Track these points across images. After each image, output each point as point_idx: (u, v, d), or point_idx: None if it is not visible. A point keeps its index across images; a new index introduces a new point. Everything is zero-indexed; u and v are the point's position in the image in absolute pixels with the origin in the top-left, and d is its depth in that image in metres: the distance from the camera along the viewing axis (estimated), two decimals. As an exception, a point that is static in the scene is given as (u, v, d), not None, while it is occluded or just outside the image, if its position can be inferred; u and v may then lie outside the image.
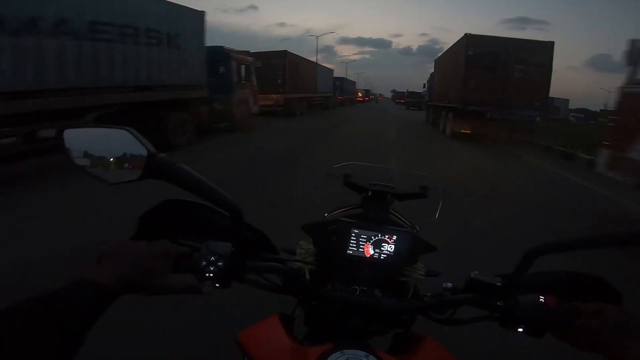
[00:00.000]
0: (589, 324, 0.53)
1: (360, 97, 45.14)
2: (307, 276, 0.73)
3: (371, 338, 0.67)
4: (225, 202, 0.56)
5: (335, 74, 33.11)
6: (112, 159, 0.54)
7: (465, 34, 10.85)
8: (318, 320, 0.68)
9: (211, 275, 0.56)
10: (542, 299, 0.58)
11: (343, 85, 27.19)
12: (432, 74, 17.98)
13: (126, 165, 0.53)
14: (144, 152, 0.51)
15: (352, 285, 0.65)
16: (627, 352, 0.49)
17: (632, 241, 0.54)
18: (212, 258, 0.56)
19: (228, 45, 12.53)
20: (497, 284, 0.63)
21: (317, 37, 34.34)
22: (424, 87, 18.02)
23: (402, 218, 0.89)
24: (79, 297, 0.41)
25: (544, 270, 0.69)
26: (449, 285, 0.67)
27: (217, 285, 0.56)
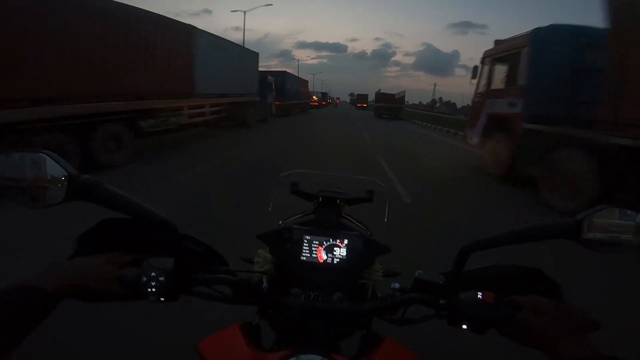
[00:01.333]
0: (527, 318, 0.52)
1: (315, 101, 42.40)
2: (266, 284, 0.72)
3: (340, 341, 0.65)
4: (156, 218, 0.54)
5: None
6: (33, 184, 0.51)
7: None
8: (280, 327, 0.67)
9: (154, 290, 0.54)
10: (480, 295, 0.57)
11: (285, 85, 19.15)
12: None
13: (49, 188, 0.51)
14: (65, 174, 0.50)
15: (310, 291, 0.64)
16: (563, 347, 0.47)
17: (561, 234, 0.54)
18: (153, 274, 0.54)
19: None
20: (440, 282, 0.63)
21: (244, 12, 25.84)
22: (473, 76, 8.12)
23: (355, 222, 0.86)
24: (17, 302, 0.39)
25: (497, 263, 0.71)
26: (397, 285, 0.66)
27: (162, 299, 0.55)
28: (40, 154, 0.52)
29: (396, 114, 29.47)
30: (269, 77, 16.02)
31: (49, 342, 1.36)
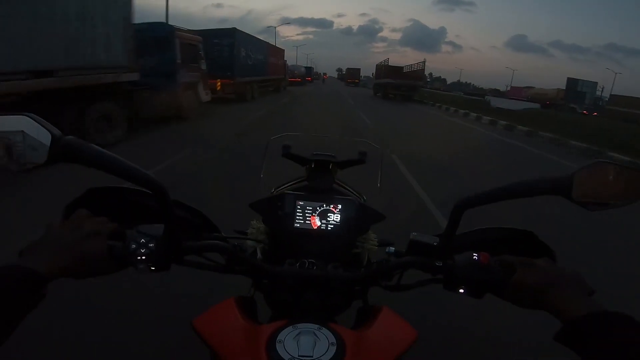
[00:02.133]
0: (523, 279, 0.54)
1: (296, 76, 38.18)
2: (260, 255, 0.73)
3: (337, 314, 0.65)
4: (145, 179, 0.54)
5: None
6: (14, 146, 0.52)
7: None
8: (275, 299, 0.66)
9: (143, 257, 0.55)
10: (475, 256, 0.59)
11: (235, 52, 13.93)
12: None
13: (31, 150, 0.52)
14: (48, 136, 0.50)
15: (304, 258, 0.65)
16: (567, 305, 0.49)
17: (552, 191, 0.55)
18: (142, 240, 0.55)
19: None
20: (434, 243, 0.65)
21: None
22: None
23: (348, 187, 0.89)
24: (9, 284, 0.40)
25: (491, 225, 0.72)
26: (392, 249, 0.68)
27: (153, 268, 0.55)
28: (22, 116, 0.52)
29: (409, 95, 23.89)
30: (187, 39, 9.43)
31: (42, 321, 1.23)
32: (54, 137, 0.51)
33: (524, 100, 36.56)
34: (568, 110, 29.42)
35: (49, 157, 0.51)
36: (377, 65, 29.06)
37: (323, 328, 0.52)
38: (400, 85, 22.61)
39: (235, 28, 14.17)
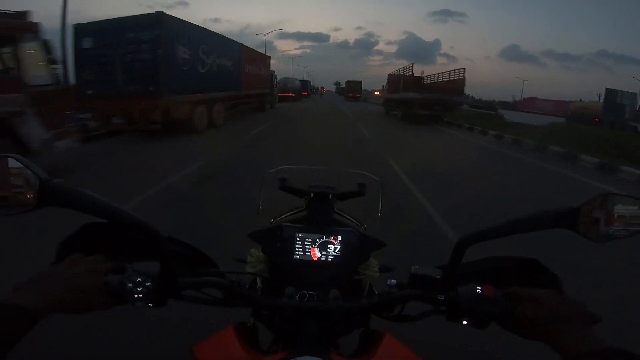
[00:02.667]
0: (528, 311, 0.55)
1: (289, 90, 34.23)
2: (260, 284, 0.74)
3: (338, 339, 0.66)
4: (135, 222, 0.55)
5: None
6: (2, 189, 0.51)
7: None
8: (276, 328, 0.67)
9: (140, 296, 0.55)
10: (479, 289, 0.59)
11: (196, 50, 9.99)
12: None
13: (19, 195, 0.51)
14: (36, 179, 0.50)
15: (305, 289, 0.66)
16: (568, 339, 0.49)
17: (558, 224, 0.57)
18: (139, 279, 0.56)
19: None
20: (437, 276, 0.65)
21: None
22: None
23: (348, 217, 0.89)
24: None
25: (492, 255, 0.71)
26: (394, 282, 0.68)
27: (151, 305, 0.57)
28: (9, 158, 0.51)
29: (441, 115, 17.81)
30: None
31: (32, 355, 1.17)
32: (42, 181, 0.50)
33: (539, 113, 34.79)
34: (623, 128, 24.05)
35: (38, 202, 0.50)
36: (389, 75, 23.61)
37: None
38: (432, 102, 16.73)
39: (162, 12, 8.79)
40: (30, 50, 5.11)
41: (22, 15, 5.34)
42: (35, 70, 5.17)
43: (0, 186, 0.51)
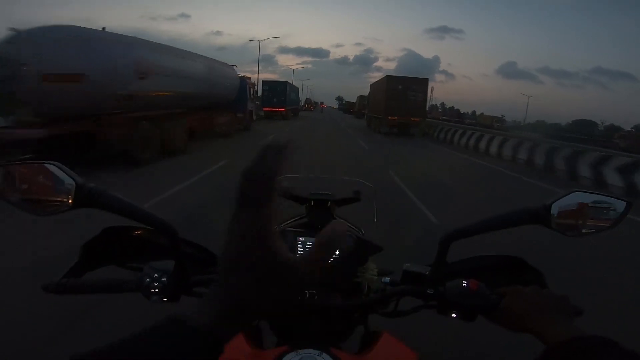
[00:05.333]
0: (513, 304, 0.61)
1: (279, 107, 31.92)
2: None
3: (341, 341, 0.74)
4: (158, 222, 0.64)
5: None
6: (41, 192, 0.59)
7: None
8: (279, 326, 0.75)
9: (156, 290, 0.64)
10: (465, 283, 0.66)
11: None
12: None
13: (56, 197, 0.58)
14: (72, 183, 0.58)
15: (306, 290, 0.72)
16: (551, 329, 0.54)
17: (532, 220, 0.64)
18: (155, 275, 0.65)
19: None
20: (426, 273, 0.73)
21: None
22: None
23: (346, 222, 0.96)
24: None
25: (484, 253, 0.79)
26: (387, 279, 0.76)
27: (165, 299, 0.65)
28: (48, 165, 0.59)
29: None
30: None
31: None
32: (78, 185, 0.58)
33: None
34: None
35: (73, 204, 0.57)
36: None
37: (324, 353, 0.58)
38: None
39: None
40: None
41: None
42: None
43: (41, 189, 0.59)
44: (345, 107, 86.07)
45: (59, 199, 0.59)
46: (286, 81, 35.43)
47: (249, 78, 19.22)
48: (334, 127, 25.96)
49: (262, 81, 34.90)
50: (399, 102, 20.65)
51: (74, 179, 0.58)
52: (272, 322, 0.76)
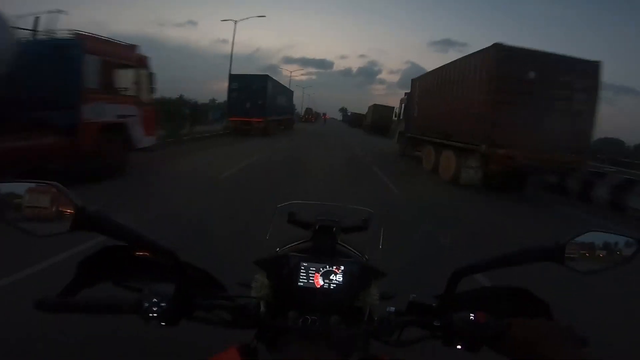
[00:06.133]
0: (518, 335, 0.66)
1: (251, 118, 22.73)
2: (263, 308, 0.88)
3: None
4: (158, 248, 0.69)
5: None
6: (40, 213, 0.63)
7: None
8: (278, 350, 0.85)
9: (155, 315, 0.68)
10: (472, 316, 0.72)
11: None
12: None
13: (55, 219, 0.64)
14: (73, 206, 0.63)
15: (307, 313, 0.83)
16: (553, 358, 0.60)
17: (546, 257, 0.71)
18: (155, 299, 0.68)
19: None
20: (433, 304, 0.82)
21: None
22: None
23: (351, 249, 1.06)
24: None
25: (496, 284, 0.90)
26: (392, 309, 0.83)
27: (163, 324, 0.70)
28: (50, 185, 0.64)
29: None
30: None
31: None
32: (78, 208, 0.63)
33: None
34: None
35: (72, 227, 0.63)
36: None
37: None
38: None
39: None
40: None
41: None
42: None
43: (41, 210, 0.63)
44: (352, 119, 78.52)
45: (57, 221, 0.64)
46: (267, 75, 27.13)
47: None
48: (343, 155, 17.40)
49: (231, 76, 22.42)
50: (531, 112, 9.25)
51: (74, 202, 0.64)
52: (269, 345, 0.86)
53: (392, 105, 36.32)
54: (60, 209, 0.60)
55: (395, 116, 20.71)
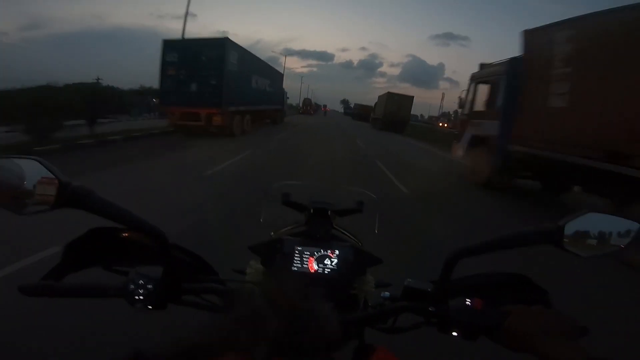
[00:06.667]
0: (516, 324, 0.64)
1: (197, 109, 14.39)
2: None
3: (334, 352, 0.82)
4: (146, 227, 0.67)
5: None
6: (22, 189, 0.63)
7: None
8: None
9: (141, 297, 0.71)
10: (468, 302, 0.72)
11: None
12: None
13: (38, 195, 0.63)
14: (56, 181, 0.63)
15: None
16: (554, 351, 0.57)
17: (543, 240, 0.67)
18: (141, 281, 0.70)
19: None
20: (428, 289, 0.80)
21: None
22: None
23: (346, 233, 1.09)
24: None
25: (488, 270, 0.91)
26: (387, 294, 0.85)
27: (150, 307, 0.73)
28: (31, 160, 0.63)
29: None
30: None
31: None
32: (61, 184, 0.61)
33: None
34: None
35: (55, 203, 0.61)
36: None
37: None
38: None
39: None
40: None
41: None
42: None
43: (21, 186, 0.62)
44: (356, 111, 68.83)
45: (40, 198, 0.62)
46: (226, 39, 15.70)
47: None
48: (350, 140, 17.64)
49: (165, 42, 15.72)
50: None
51: (57, 177, 0.62)
52: None
53: (411, 95, 31.63)
54: (43, 184, 0.59)
55: (460, 106, 11.69)
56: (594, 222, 0.62)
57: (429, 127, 47.91)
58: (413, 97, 29.88)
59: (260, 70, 19.45)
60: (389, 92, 33.02)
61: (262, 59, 17.43)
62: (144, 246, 0.73)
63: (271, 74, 22.23)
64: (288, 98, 33.77)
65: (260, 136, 14.83)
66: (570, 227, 0.62)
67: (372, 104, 42.22)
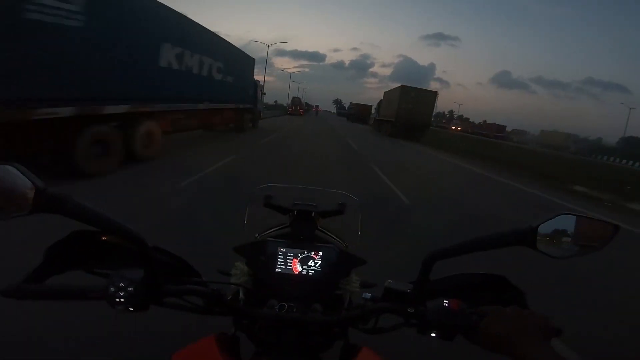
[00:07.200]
0: (492, 325, 0.68)
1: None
2: (242, 296, 0.99)
3: (320, 353, 0.89)
4: (125, 232, 0.71)
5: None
6: None
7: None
8: (257, 338, 0.93)
9: (122, 300, 0.73)
10: (446, 303, 0.77)
11: None
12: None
13: (13, 200, 0.64)
14: (32, 187, 0.64)
15: (286, 302, 0.91)
16: (526, 352, 0.61)
17: (517, 242, 0.75)
18: (122, 284, 0.73)
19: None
20: (408, 290, 0.87)
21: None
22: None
23: (330, 234, 1.16)
24: None
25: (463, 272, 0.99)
26: (368, 295, 0.94)
27: (131, 309, 0.75)
28: (6, 166, 0.64)
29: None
30: None
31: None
32: (38, 189, 0.63)
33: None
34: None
35: (32, 208, 0.64)
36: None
37: None
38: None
39: None
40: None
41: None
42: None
43: None
44: (352, 112, 60.63)
45: (16, 203, 0.64)
46: None
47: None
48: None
49: None
50: None
51: (34, 182, 0.65)
52: (248, 332, 0.93)
53: (434, 90, 28.90)
54: (19, 190, 0.62)
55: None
56: (569, 223, 0.71)
57: (437, 130, 47.17)
58: (436, 92, 25.62)
59: (198, 44, 10.58)
60: (402, 86, 26.46)
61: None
62: (125, 249, 0.81)
63: (230, 56, 13.70)
64: (264, 94, 23.68)
65: (232, 141, 10.06)
66: (545, 228, 0.72)
67: (367, 104, 46.40)
